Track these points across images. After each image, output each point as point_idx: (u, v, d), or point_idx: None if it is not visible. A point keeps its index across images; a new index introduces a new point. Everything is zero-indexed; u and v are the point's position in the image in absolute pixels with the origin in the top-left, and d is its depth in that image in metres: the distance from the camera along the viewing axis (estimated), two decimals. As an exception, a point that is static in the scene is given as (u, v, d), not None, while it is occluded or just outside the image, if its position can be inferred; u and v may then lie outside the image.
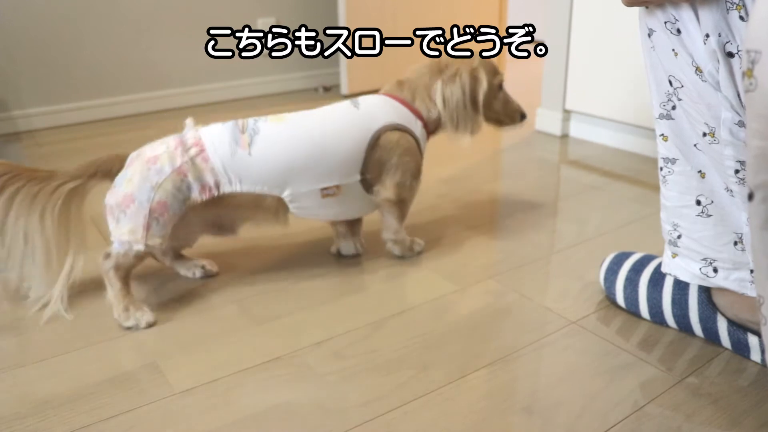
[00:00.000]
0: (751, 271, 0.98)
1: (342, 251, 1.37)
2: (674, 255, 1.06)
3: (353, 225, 1.36)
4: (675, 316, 1.07)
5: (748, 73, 0.53)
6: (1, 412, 0.91)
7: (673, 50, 0.89)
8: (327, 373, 0.99)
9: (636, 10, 0.96)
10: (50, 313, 1.14)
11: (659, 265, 1.11)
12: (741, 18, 0.77)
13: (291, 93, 2.93)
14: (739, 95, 0.82)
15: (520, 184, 1.77)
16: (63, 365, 1.02)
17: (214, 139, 1.17)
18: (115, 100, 2.57)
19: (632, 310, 1.13)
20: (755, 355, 0.99)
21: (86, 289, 1.24)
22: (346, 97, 1.80)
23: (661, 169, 1.03)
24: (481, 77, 1.32)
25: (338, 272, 1.30)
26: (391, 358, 1.03)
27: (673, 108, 0.96)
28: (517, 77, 3.26)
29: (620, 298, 1.14)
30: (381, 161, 1.25)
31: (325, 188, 1.22)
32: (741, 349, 1.01)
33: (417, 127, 1.30)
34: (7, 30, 2.30)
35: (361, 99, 1.29)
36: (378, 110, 1.27)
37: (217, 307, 1.18)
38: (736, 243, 0.98)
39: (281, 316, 1.15)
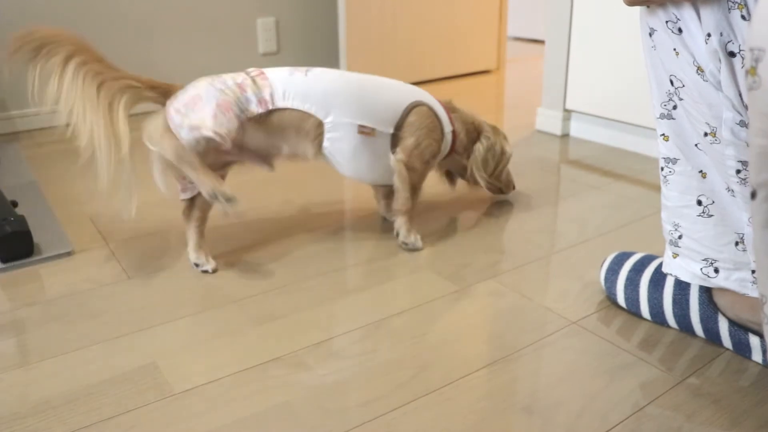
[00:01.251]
0: (753, 272, 0.98)
1: (388, 218, 1.51)
2: (675, 255, 1.06)
3: (390, 194, 1.47)
4: (676, 316, 1.07)
5: (752, 71, 0.52)
6: (0, 412, 0.91)
7: (675, 50, 0.89)
8: (326, 373, 0.99)
9: (637, 10, 0.95)
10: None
11: (660, 265, 1.11)
12: (743, 17, 0.77)
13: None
14: (740, 95, 0.82)
15: (521, 183, 1.77)
16: (62, 365, 1.02)
17: (274, 69, 1.32)
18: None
19: (633, 310, 1.13)
20: (756, 356, 0.99)
21: (86, 289, 1.24)
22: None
23: (662, 169, 1.03)
24: (508, 151, 1.55)
25: (338, 272, 1.30)
26: (391, 359, 1.02)
27: (674, 108, 0.95)
28: (518, 77, 3.26)
29: (621, 298, 1.14)
30: (412, 126, 1.36)
31: (363, 126, 1.32)
32: (742, 349, 1.00)
33: (447, 127, 1.43)
34: (6, 30, 2.30)
35: (419, 90, 1.44)
36: (423, 93, 1.43)
37: (216, 307, 1.18)
38: (737, 243, 0.98)
39: (281, 317, 1.15)
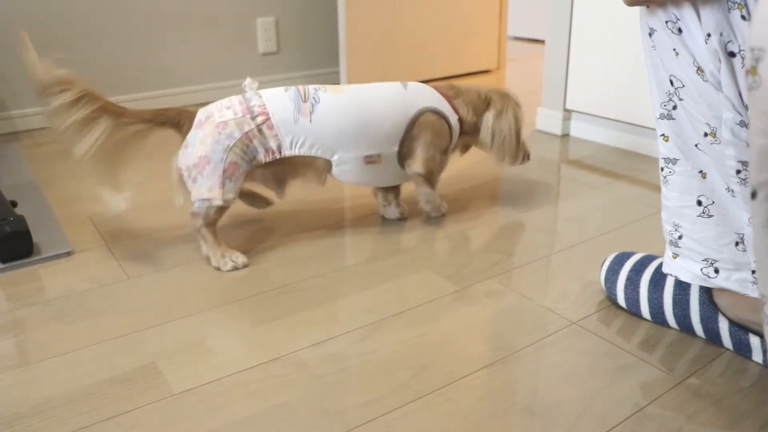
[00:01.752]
0: (753, 272, 0.97)
1: (386, 216, 1.56)
2: (675, 255, 1.06)
3: (391, 192, 1.54)
4: (676, 316, 1.07)
5: (752, 71, 0.52)
6: (0, 412, 0.91)
7: (674, 50, 0.89)
8: (326, 373, 0.99)
9: (637, 10, 0.95)
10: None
11: (660, 265, 1.11)
12: (743, 17, 0.77)
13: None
14: (740, 95, 0.81)
15: (521, 183, 1.77)
16: (62, 365, 1.02)
17: (278, 106, 1.32)
18: (116, 100, 2.56)
19: (633, 310, 1.13)
20: (757, 356, 0.99)
21: (86, 290, 1.24)
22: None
23: (662, 169, 1.03)
24: (520, 116, 1.53)
25: (338, 272, 1.30)
26: (391, 359, 1.02)
27: (674, 108, 0.95)
28: (518, 76, 3.26)
29: (621, 299, 1.14)
30: (416, 138, 1.41)
31: (369, 156, 1.38)
32: (742, 349, 1.00)
33: (453, 119, 1.46)
34: (5, 29, 2.30)
35: (410, 83, 1.46)
36: (422, 94, 1.44)
37: (216, 307, 1.18)
38: (737, 243, 0.98)
39: (280, 317, 1.15)
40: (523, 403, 0.92)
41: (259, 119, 1.30)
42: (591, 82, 2.08)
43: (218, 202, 1.28)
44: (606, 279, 1.17)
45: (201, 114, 1.32)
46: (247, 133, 1.29)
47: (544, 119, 2.27)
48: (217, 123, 1.29)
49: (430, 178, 1.46)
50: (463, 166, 1.91)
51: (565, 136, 2.22)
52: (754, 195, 0.55)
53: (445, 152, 1.47)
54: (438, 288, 1.23)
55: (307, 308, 1.17)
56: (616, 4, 1.93)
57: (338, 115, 1.34)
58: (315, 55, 2.99)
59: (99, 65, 2.50)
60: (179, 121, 1.34)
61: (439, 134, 1.43)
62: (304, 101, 1.33)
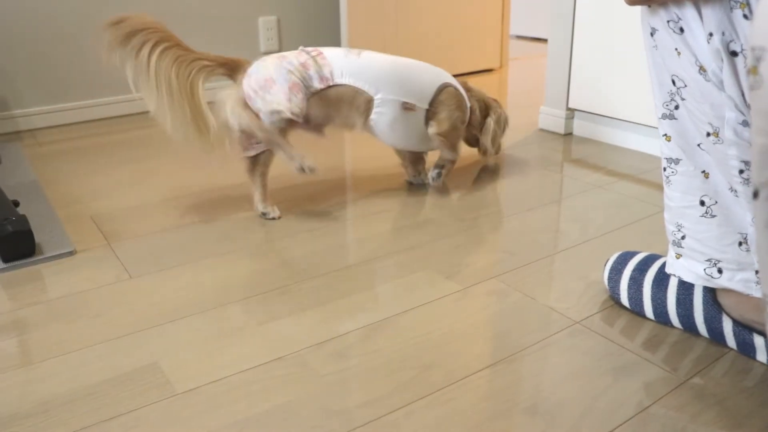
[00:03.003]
0: (756, 272, 0.97)
1: (412, 181, 1.77)
2: (678, 256, 1.06)
3: (416, 161, 1.75)
4: (680, 316, 1.07)
5: (753, 71, 0.52)
6: (1, 413, 0.91)
7: (676, 49, 0.88)
8: (329, 373, 0.99)
9: (639, 9, 0.95)
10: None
11: (663, 265, 1.11)
12: (745, 16, 0.77)
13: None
14: (743, 94, 0.81)
15: (523, 182, 1.77)
16: (64, 365, 1.02)
17: (329, 49, 1.54)
18: (117, 99, 2.57)
19: (636, 310, 1.13)
20: (761, 356, 0.98)
21: (88, 289, 1.24)
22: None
23: (665, 169, 1.02)
24: (506, 122, 1.82)
25: (340, 272, 1.30)
26: (394, 358, 1.02)
27: (677, 108, 0.95)
28: (521, 75, 3.26)
29: (624, 298, 1.14)
30: (443, 103, 1.62)
31: (406, 102, 1.57)
32: (746, 349, 1.00)
33: (467, 106, 1.70)
34: (7, 29, 2.30)
35: (444, 71, 1.69)
36: (448, 75, 1.68)
37: (218, 307, 1.18)
38: (740, 243, 0.97)
39: (283, 316, 1.15)
40: (526, 402, 0.92)
41: (314, 53, 1.51)
42: (594, 81, 2.07)
43: (287, 114, 1.43)
44: (609, 278, 1.17)
45: (257, 61, 1.51)
46: (303, 62, 1.48)
47: (546, 118, 2.27)
48: (277, 56, 1.49)
49: (448, 140, 1.65)
50: (465, 166, 1.91)
51: (568, 135, 2.21)
52: (756, 194, 0.55)
53: (462, 122, 1.67)
54: (440, 287, 1.23)
55: (309, 308, 1.17)
56: (619, 2, 1.93)
57: (383, 61, 1.57)
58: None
59: (99, 65, 2.50)
60: (236, 67, 1.52)
61: (459, 107, 1.65)
62: (351, 51, 1.56)
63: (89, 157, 2.06)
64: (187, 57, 1.45)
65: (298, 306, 1.18)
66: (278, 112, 1.43)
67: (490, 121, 1.75)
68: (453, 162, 1.72)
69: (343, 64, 1.51)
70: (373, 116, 1.55)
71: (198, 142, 1.49)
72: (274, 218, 1.51)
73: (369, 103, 1.54)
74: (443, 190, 1.73)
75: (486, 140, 1.76)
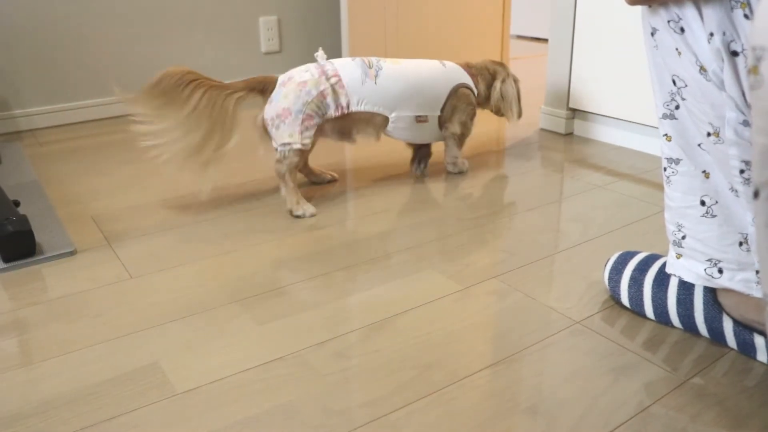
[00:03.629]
0: (757, 272, 0.97)
1: (415, 173, 1.88)
2: (679, 256, 1.06)
3: (425, 159, 1.89)
4: (680, 316, 1.06)
5: (754, 70, 0.52)
6: (2, 413, 0.91)
7: (677, 49, 0.88)
8: (330, 373, 0.99)
9: (639, 9, 0.95)
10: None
11: (664, 265, 1.11)
12: (745, 16, 0.77)
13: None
14: (743, 94, 0.81)
15: (524, 182, 1.77)
16: (64, 365, 1.02)
17: (348, 70, 1.61)
18: (117, 99, 2.57)
19: (637, 309, 1.13)
20: (761, 356, 0.98)
21: (88, 289, 1.24)
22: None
23: (665, 169, 1.02)
24: (518, 81, 1.90)
25: (340, 272, 1.30)
26: (394, 358, 1.02)
27: (677, 108, 0.95)
28: (522, 76, 3.25)
29: (625, 298, 1.14)
30: (454, 106, 1.76)
31: (419, 116, 1.71)
32: (747, 349, 1.00)
33: (476, 92, 1.82)
34: (8, 29, 2.30)
35: (446, 62, 1.79)
36: (456, 72, 1.78)
37: (219, 306, 1.18)
38: (741, 243, 0.97)
39: (283, 316, 1.15)
40: (527, 402, 0.92)
41: (333, 80, 1.58)
42: (594, 81, 2.07)
43: (297, 146, 1.55)
44: (609, 278, 1.17)
45: (282, 77, 1.59)
46: (322, 91, 1.56)
47: (547, 118, 2.27)
48: (298, 82, 1.55)
49: (461, 138, 1.82)
50: (467, 165, 1.91)
51: (569, 135, 2.21)
52: (756, 194, 0.55)
53: (472, 118, 1.82)
54: (441, 287, 1.23)
55: (310, 307, 1.17)
56: (619, 2, 1.93)
57: (397, 81, 1.65)
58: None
59: (100, 65, 2.50)
60: (265, 87, 1.59)
61: (470, 104, 1.79)
62: (369, 68, 1.63)
63: (90, 157, 2.06)
64: (222, 90, 1.54)
65: (298, 306, 1.18)
66: (288, 144, 1.55)
67: (497, 84, 1.84)
68: (456, 161, 1.86)
69: (360, 93, 1.60)
70: (388, 128, 1.69)
71: (198, 170, 1.56)
72: (308, 215, 1.58)
73: (385, 121, 1.67)
74: (443, 190, 1.73)
75: (495, 100, 1.85)
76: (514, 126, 1.92)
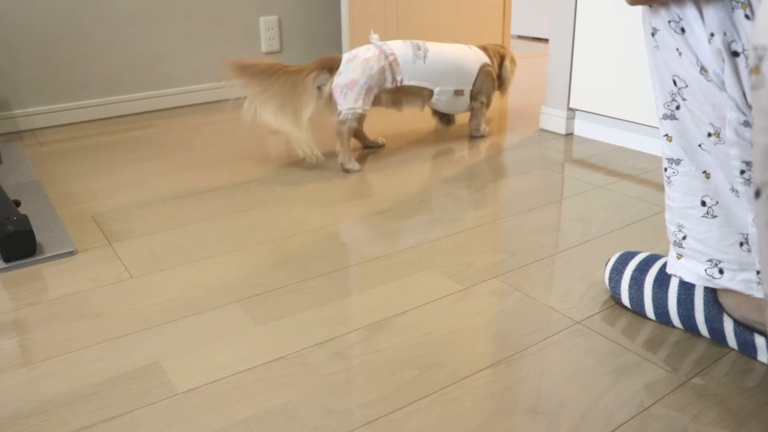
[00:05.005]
0: (758, 272, 0.97)
1: (443, 125, 2.32)
2: (679, 256, 1.06)
3: (449, 120, 2.31)
4: (681, 316, 1.06)
5: (755, 70, 0.52)
6: (2, 412, 0.91)
7: (678, 50, 0.88)
8: (330, 373, 0.99)
9: (640, 9, 0.95)
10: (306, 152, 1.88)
11: (665, 265, 1.11)
12: (746, 17, 0.77)
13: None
14: (744, 95, 0.81)
15: (525, 182, 1.77)
16: (65, 365, 1.02)
17: (402, 51, 1.94)
18: (117, 99, 2.57)
19: (637, 310, 1.13)
20: (762, 356, 0.98)
21: (89, 289, 1.24)
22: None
23: (666, 169, 1.02)
24: (515, 61, 2.26)
25: (341, 272, 1.30)
26: (395, 358, 1.02)
27: (678, 108, 0.95)
28: (522, 76, 3.25)
29: (625, 298, 1.14)
30: (482, 81, 2.11)
31: (458, 90, 2.07)
32: (748, 349, 1.00)
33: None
34: (8, 29, 2.30)
35: (471, 46, 2.14)
36: (480, 54, 2.13)
37: (219, 306, 1.18)
38: (741, 244, 0.97)
39: (284, 316, 1.15)
40: (528, 402, 0.92)
41: (390, 58, 1.91)
42: (595, 81, 2.07)
43: (360, 111, 1.88)
44: (610, 278, 1.17)
45: (347, 55, 1.90)
46: (382, 66, 1.89)
47: (548, 118, 2.27)
48: (363, 59, 1.87)
49: (486, 108, 2.18)
50: (467, 165, 1.91)
51: (569, 135, 2.21)
52: (758, 194, 0.55)
53: (493, 91, 2.17)
54: (442, 287, 1.23)
55: (311, 307, 1.17)
56: (620, 2, 1.93)
57: (440, 61, 2.00)
58: (318, 54, 2.98)
59: (100, 65, 2.50)
60: (332, 65, 1.89)
61: (492, 80, 2.14)
62: (418, 50, 1.96)
63: (90, 157, 2.06)
64: (299, 74, 1.85)
65: (298, 306, 1.18)
66: (353, 109, 1.87)
67: (506, 64, 2.18)
68: (481, 128, 2.23)
69: (412, 70, 1.94)
70: (433, 100, 2.04)
71: (294, 131, 1.86)
72: (355, 170, 1.90)
73: (430, 94, 2.02)
74: (443, 190, 1.73)
75: (506, 77, 2.19)
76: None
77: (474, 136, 2.23)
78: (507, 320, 1.12)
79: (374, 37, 1.95)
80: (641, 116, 1.96)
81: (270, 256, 1.37)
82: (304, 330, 1.10)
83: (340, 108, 1.87)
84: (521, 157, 2.00)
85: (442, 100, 2.05)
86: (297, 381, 0.97)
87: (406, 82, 1.94)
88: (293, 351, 1.04)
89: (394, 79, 1.92)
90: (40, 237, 1.44)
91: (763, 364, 0.99)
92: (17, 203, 1.56)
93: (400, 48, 1.94)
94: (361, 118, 1.96)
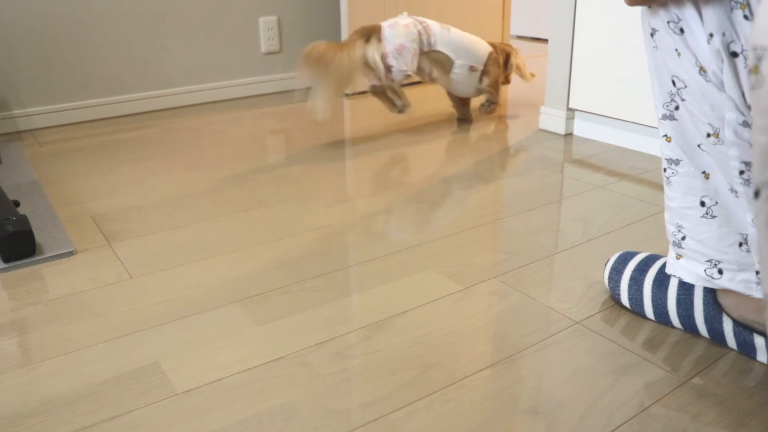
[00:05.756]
0: (757, 273, 0.97)
1: (461, 118, 2.48)
2: (678, 256, 1.06)
3: (464, 103, 2.46)
4: (680, 316, 1.07)
5: (755, 70, 0.52)
6: (2, 412, 0.91)
7: (677, 50, 0.88)
8: (330, 373, 0.99)
9: (639, 9, 0.95)
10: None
11: (664, 265, 1.11)
12: (745, 17, 0.77)
13: (290, 92, 2.93)
14: (743, 95, 0.81)
15: (524, 183, 1.77)
16: (65, 365, 1.02)
17: (431, 22, 2.21)
18: (116, 99, 2.57)
19: (637, 310, 1.13)
20: (761, 356, 0.99)
21: (89, 289, 1.24)
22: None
23: (665, 170, 1.02)
24: (519, 55, 2.51)
25: (341, 272, 1.30)
26: (395, 359, 1.02)
27: (677, 108, 0.95)
28: (521, 76, 3.26)
29: (625, 298, 1.14)
30: (491, 65, 2.34)
31: (472, 66, 2.29)
32: (747, 349, 1.00)
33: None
34: (8, 29, 2.30)
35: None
36: (488, 45, 2.37)
37: (219, 306, 1.18)
38: (741, 244, 0.97)
39: (284, 316, 1.15)
40: (527, 403, 0.92)
41: (423, 24, 2.18)
42: (594, 81, 2.07)
43: (410, 72, 2.17)
44: (609, 279, 1.17)
45: (386, 23, 2.15)
46: (419, 30, 2.16)
47: (547, 118, 2.27)
48: (404, 24, 2.14)
49: (494, 89, 2.38)
50: (467, 165, 1.91)
51: (569, 135, 2.21)
52: (757, 194, 0.55)
53: (499, 77, 2.38)
54: (442, 287, 1.23)
55: (311, 307, 1.17)
56: (619, 3, 1.93)
57: (461, 36, 2.26)
58: (318, 55, 2.99)
59: (100, 65, 2.50)
60: (372, 34, 2.12)
61: (499, 66, 2.37)
62: (442, 25, 2.23)
63: (89, 157, 2.06)
64: (350, 48, 2.09)
65: (298, 306, 1.18)
66: (404, 71, 2.14)
67: (514, 61, 2.42)
68: (495, 103, 2.43)
69: (441, 37, 2.20)
70: (452, 75, 2.27)
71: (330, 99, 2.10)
72: (407, 107, 2.25)
73: (452, 64, 2.25)
74: (443, 190, 1.73)
75: (512, 70, 2.43)
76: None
77: (482, 113, 2.47)
78: (506, 320, 1.12)
79: (405, 14, 2.23)
80: (640, 116, 1.96)
81: (270, 256, 1.37)
82: (304, 330, 1.10)
83: (393, 70, 2.13)
84: (521, 157, 2.00)
85: (459, 74, 2.27)
86: (297, 381, 0.97)
87: (438, 47, 2.20)
88: (293, 351, 1.04)
89: (429, 43, 2.18)
90: (39, 237, 1.44)
91: (762, 364, 0.99)
92: (17, 203, 1.56)
93: (429, 20, 2.23)
94: (409, 76, 2.21)
